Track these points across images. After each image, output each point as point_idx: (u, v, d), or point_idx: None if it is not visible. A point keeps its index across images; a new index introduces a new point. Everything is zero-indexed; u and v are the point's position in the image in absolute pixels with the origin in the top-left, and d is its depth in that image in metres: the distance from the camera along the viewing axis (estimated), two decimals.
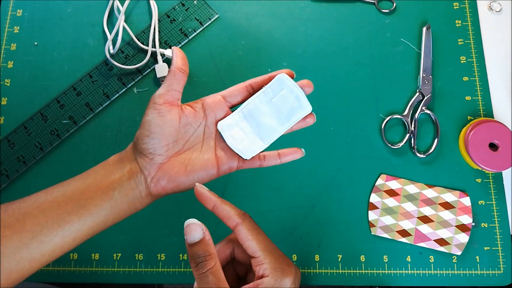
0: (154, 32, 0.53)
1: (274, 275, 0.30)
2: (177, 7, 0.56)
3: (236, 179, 0.49)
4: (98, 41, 0.54)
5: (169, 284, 0.47)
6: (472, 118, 0.51)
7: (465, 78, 0.53)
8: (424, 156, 0.50)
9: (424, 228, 0.47)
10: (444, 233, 0.47)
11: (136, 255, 0.47)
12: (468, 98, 0.52)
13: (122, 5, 0.54)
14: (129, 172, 0.34)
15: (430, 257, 0.47)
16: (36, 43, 0.54)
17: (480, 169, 0.48)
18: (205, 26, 0.55)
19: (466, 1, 0.56)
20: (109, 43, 0.52)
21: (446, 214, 0.47)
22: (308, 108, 0.39)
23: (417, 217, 0.47)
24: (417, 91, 0.52)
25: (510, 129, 0.49)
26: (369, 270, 0.47)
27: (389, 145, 0.50)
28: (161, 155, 0.35)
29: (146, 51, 0.53)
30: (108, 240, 0.47)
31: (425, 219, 0.47)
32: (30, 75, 0.53)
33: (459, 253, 0.46)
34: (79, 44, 0.54)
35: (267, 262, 0.31)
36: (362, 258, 0.47)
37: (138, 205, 0.35)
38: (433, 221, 0.47)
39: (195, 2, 0.56)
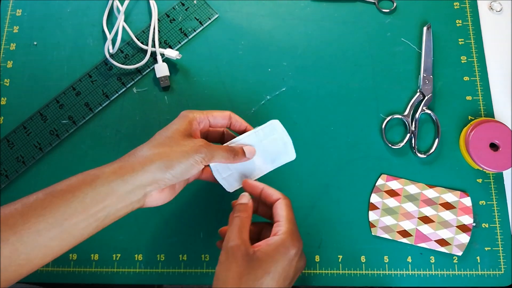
0: (154, 32, 0.53)
1: (284, 238, 0.34)
2: (176, 6, 0.56)
3: None
4: (97, 41, 0.54)
5: (169, 284, 0.47)
6: (473, 118, 0.51)
7: (466, 78, 0.53)
8: (425, 156, 0.49)
9: (425, 229, 0.47)
10: (444, 234, 0.47)
11: (136, 255, 0.47)
12: (468, 98, 0.52)
13: (122, 4, 0.53)
14: (129, 193, 0.33)
15: (430, 257, 0.47)
16: (35, 43, 0.54)
17: (481, 169, 0.48)
18: (205, 25, 0.55)
19: (467, 0, 0.56)
20: (108, 43, 0.52)
21: (446, 215, 0.47)
22: (292, 155, 0.43)
23: (417, 218, 0.47)
24: (418, 91, 0.52)
25: (511, 129, 0.49)
26: (369, 270, 0.47)
27: (390, 145, 0.50)
28: (169, 183, 0.36)
29: (146, 50, 0.53)
30: (108, 241, 0.47)
31: (425, 220, 0.47)
32: (29, 75, 0.53)
33: (459, 253, 0.46)
34: (78, 44, 0.54)
35: (285, 226, 0.35)
36: (363, 258, 0.47)
37: (121, 217, 0.34)
38: (434, 222, 0.47)
39: (195, 1, 0.56)
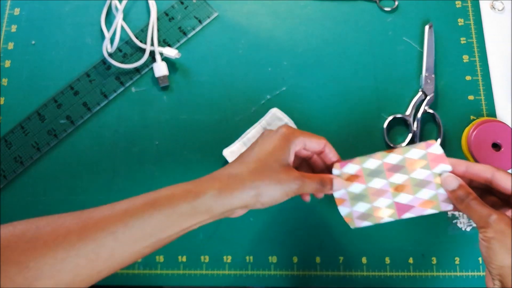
0: (153, 31, 0.53)
1: None
2: (176, 5, 0.55)
3: None
4: (96, 40, 0.54)
5: (168, 286, 0.47)
6: (475, 117, 0.51)
7: (468, 77, 0.52)
8: None
9: (403, 198, 0.40)
10: (425, 194, 0.39)
11: None
12: (470, 97, 0.52)
13: (120, 3, 0.53)
14: (221, 214, 0.34)
15: (432, 258, 0.47)
16: (33, 42, 0.54)
17: None
18: (204, 24, 0.55)
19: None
20: (107, 42, 0.51)
21: (420, 173, 0.40)
22: None
23: (390, 190, 0.40)
24: (420, 90, 0.51)
25: None
26: (370, 272, 0.46)
27: (391, 145, 0.49)
28: (255, 208, 0.36)
29: (145, 49, 0.52)
30: None
31: (400, 188, 0.40)
32: (27, 75, 0.53)
33: (450, 207, 0.39)
34: (77, 43, 0.54)
35: None
36: (364, 260, 0.47)
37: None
38: (409, 186, 0.40)
39: (194, 0, 0.55)
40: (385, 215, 0.40)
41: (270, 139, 0.36)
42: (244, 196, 0.34)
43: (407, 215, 0.40)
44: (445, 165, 0.39)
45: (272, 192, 0.35)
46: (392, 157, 0.40)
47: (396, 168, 0.40)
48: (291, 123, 0.47)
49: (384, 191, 0.40)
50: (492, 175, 0.36)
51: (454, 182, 0.37)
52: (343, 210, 0.41)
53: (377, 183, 0.40)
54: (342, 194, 0.41)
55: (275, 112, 0.47)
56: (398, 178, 0.40)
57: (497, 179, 0.36)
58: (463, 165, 0.37)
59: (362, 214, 0.41)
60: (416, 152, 0.40)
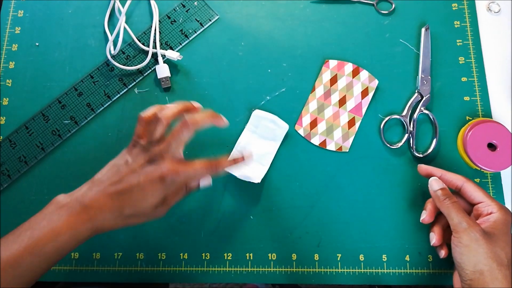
0: (155, 33, 0.54)
1: (502, 212, 0.39)
2: (177, 8, 0.56)
3: (236, 179, 0.49)
4: (99, 42, 0.55)
5: (172, 283, 0.47)
6: (471, 118, 0.52)
7: (464, 79, 0.53)
8: (423, 156, 0.50)
9: (350, 104, 0.51)
10: (358, 88, 0.52)
11: (137, 254, 0.47)
12: (466, 98, 0.52)
13: (123, 6, 0.54)
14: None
15: (428, 256, 0.47)
16: (37, 44, 0.55)
17: (479, 169, 0.49)
18: (205, 27, 0.55)
19: (465, 2, 0.56)
20: (110, 44, 0.52)
21: (341, 83, 0.52)
22: (285, 126, 0.48)
23: (339, 108, 0.51)
24: (416, 91, 0.52)
25: (508, 129, 0.49)
26: (368, 269, 0.47)
27: (388, 145, 0.50)
28: None
29: (147, 52, 0.53)
30: (109, 240, 0.48)
31: (342, 101, 0.51)
32: (31, 76, 0.53)
33: (376, 81, 0.52)
34: (80, 45, 0.54)
35: (493, 204, 0.40)
36: (361, 257, 0.47)
37: None
38: (345, 95, 0.51)
39: (195, 3, 0.56)
40: (355, 123, 0.50)
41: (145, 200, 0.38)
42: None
43: (364, 108, 0.51)
44: (348, 65, 0.52)
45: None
46: (318, 90, 0.51)
47: (327, 94, 0.51)
48: (278, 120, 0.48)
49: (337, 112, 0.51)
50: (462, 185, 0.43)
51: (436, 185, 0.43)
52: (330, 146, 0.50)
53: (328, 112, 0.51)
54: (320, 139, 0.50)
55: (257, 113, 0.48)
56: (334, 97, 0.51)
57: (465, 188, 0.42)
58: (439, 172, 0.44)
59: (343, 136, 0.50)
60: (325, 75, 0.52)
